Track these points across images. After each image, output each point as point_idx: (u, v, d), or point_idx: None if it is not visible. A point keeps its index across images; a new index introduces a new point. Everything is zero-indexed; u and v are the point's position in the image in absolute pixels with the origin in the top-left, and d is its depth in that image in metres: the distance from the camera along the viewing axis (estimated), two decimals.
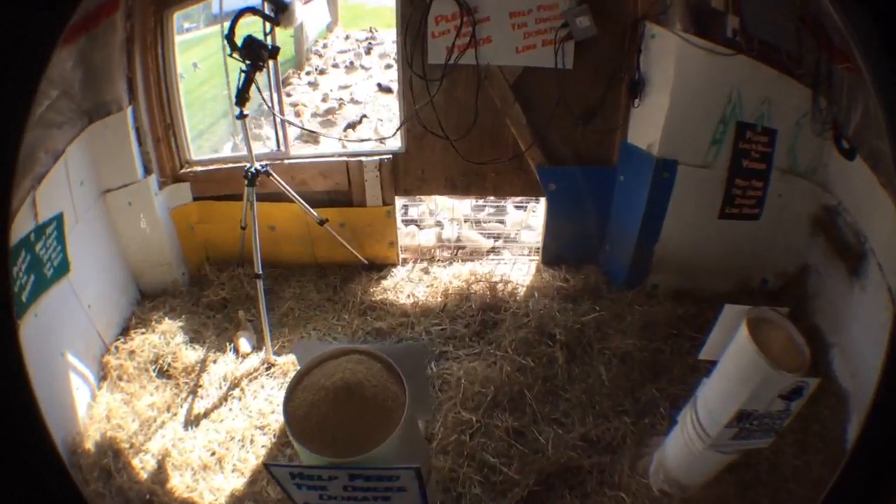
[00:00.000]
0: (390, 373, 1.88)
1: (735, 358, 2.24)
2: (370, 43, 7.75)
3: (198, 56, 5.08)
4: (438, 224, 4.57)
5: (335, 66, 7.32)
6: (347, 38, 8.09)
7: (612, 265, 4.00)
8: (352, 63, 7.31)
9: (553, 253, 4.15)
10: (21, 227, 2.71)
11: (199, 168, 3.90)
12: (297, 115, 6.12)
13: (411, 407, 1.93)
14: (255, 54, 3.09)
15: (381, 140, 4.27)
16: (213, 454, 3.07)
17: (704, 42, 3.15)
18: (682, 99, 3.31)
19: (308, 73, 7.13)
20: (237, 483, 2.95)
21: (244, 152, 3.46)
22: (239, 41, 3.06)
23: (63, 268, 3.02)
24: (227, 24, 3.15)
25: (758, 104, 3.30)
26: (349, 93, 6.64)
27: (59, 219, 2.99)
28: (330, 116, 6.18)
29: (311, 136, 5.30)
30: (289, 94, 6.52)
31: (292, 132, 4.76)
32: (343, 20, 8.46)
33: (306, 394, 1.86)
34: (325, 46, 7.84)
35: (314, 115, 6.20)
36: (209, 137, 5.05)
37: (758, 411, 2.18)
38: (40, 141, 2.89)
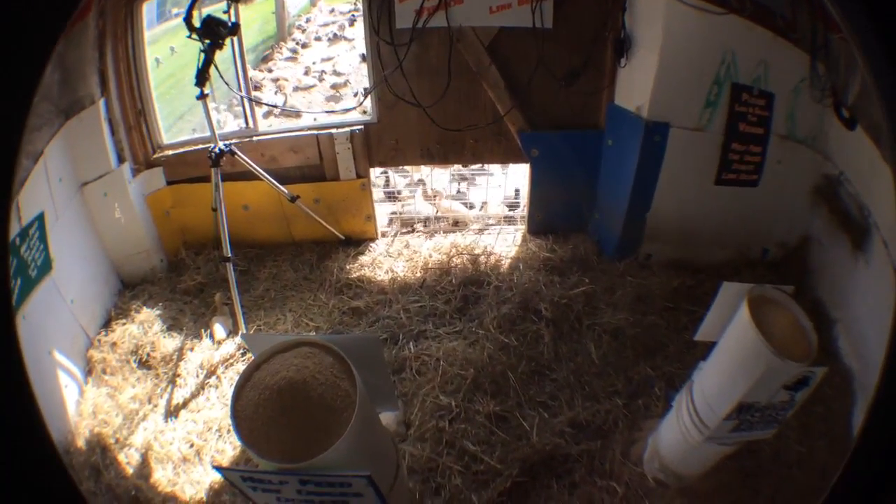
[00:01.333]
0: (342, 367, 1.74)
1: (735, 344, 2.07)
2: (353, 15, 7.50)
3: (184, 39, 4.97)
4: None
5: (318, 39, 7.16)
6: (332, 11, 7.88)
7: (602, 234, 3.86)
8: (335, 35, 7.14)
9: (539, 222, 4.02)
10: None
11: (171, 152, 3.81)
12: (280, 89, 6.00)
13: (370, 402, 1.80)
14: (213, 33, 3.07)
15: (359, 108, 4.09)
16: (191, 446, 3.04)
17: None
18: (671, 58, 3.14)
19: (290, 49, 6.92)
20: (216, 475, 2.90)
21: (219, 131, 3.45)
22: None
23: (46, 266, 2.99)
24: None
25: (753, 66, 3.15)
26: (332, 65, 6.48)
27: (40, 218, 2.96)
28: (336, 91, 6.08)
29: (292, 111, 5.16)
30: (270, 70, 6.41)
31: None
32: None
33: (253, 392, 1.71)
34: (308, 21, 7.68)
35: (296, 88, 6.02)
36: (190, 119, 4.95)
37: (760, 403, 2.02)
38: (22, 146, 2.82)
